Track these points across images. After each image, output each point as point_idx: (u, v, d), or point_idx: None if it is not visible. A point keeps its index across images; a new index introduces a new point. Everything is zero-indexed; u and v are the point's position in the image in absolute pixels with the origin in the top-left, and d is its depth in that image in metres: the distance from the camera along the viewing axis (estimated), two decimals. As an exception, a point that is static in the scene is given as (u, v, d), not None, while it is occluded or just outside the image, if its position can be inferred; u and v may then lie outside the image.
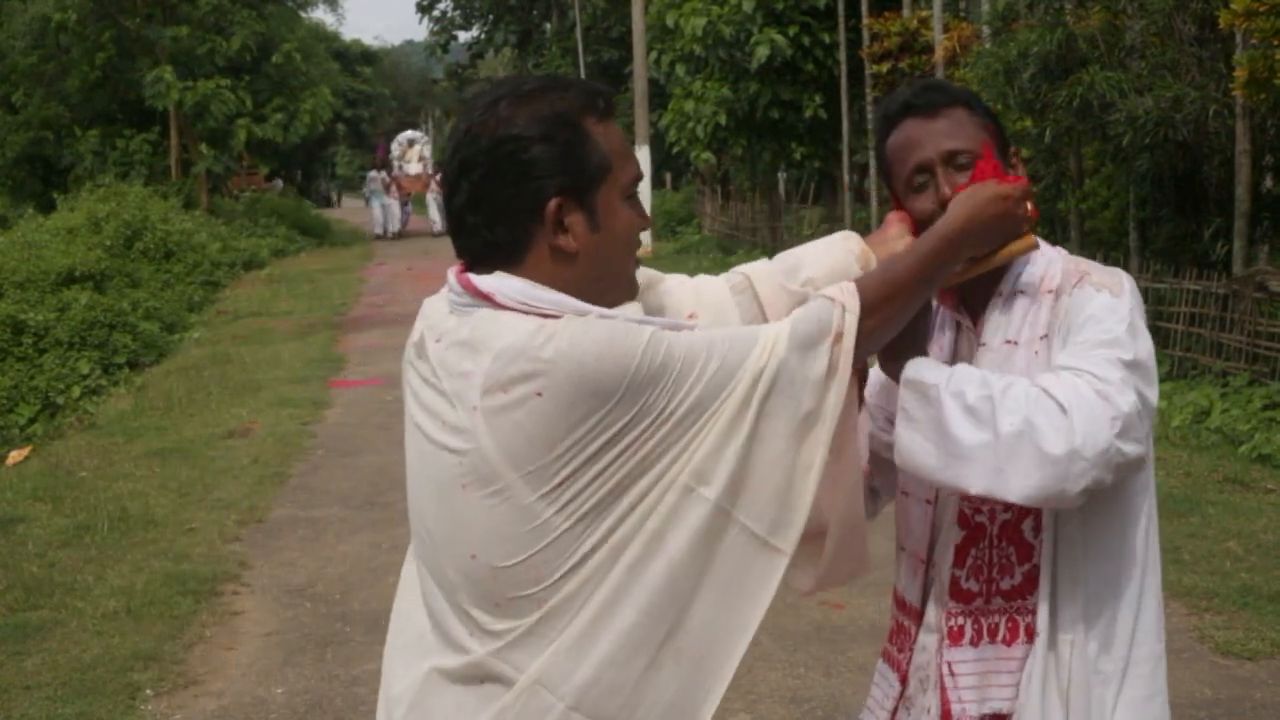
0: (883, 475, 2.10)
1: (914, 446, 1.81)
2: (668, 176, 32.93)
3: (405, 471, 1.75)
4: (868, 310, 1.69)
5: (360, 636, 5.12)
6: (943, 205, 1.90)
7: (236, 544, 6.47)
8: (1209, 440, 7.48)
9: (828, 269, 1.88)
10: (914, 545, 2.03)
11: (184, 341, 14.45)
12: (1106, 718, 1.87)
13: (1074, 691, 1.86)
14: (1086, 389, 1.72)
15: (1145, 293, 8.50)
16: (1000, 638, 1.92)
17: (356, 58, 55.07)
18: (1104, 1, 9.68)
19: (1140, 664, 1.89)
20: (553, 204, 1.63)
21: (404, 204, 33.62)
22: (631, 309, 1.69)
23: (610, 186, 1.67)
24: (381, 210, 32.25)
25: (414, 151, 35.12)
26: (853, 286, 1.71)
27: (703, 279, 1.95)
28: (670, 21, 18.43)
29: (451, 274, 1.69)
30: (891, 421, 2.06)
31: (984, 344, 1.95)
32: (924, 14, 14.85)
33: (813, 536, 1.69)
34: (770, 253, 2.16)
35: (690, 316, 1.86)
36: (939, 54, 13.35)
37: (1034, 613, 1.89)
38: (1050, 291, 1.91)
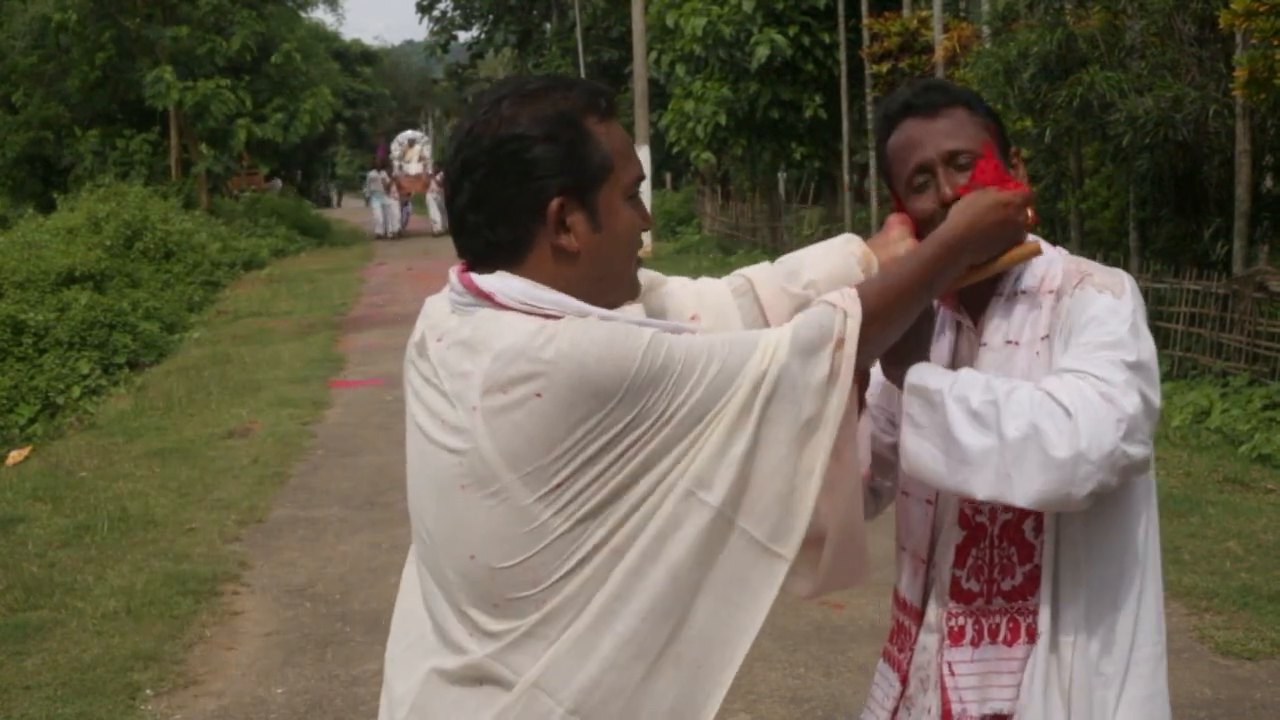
0: (884, 476, 2.10)
1: (920, 453, 1.81)
2: (668, 176, 32.93)
3: (406, 471, 1.75)
4: (869, 316, 1.69)
5: (360, 636, 5.12)
6: (943, 205, 1.90)
7: (236, 544, 6.47)
8: (1209, 440, 7.48)
9: (829, 272, 1.88)
10: (914, 545, 2.03)
11: (184, 341, 14.45)
12: (1108, 719, 1.87)
13: (1076, 693, 1.86)
14: (1091, 392, 1.72)
15: (1145, 293, 8.49)
16: (1001, 638, 1.92)
17: (356, 58, 55.07)
18: (1104, 1, 9.68)
19: (1141, 664, 1.89)
20: (555, 204, 1.63)
21: (404, 204, 33.63)
22: (633, 310, 1.69)
23: (612, 186, 1.67)
24: (382, 210, 32.26)
25: (414, 151, 35.13)
26: (854, 292, 1.71)
27: (705, 281, 1.95)
28: (670, 21, 18.44)
29: (453, 273, 1.69)
30: (892, 422, 2.07)
31: (985, 344, 1.95)
32: (924, 14, 14.85)
33: (812, 542, 1.68)
34: (770, 252, 2.16)
35: (692, 318, 1.86)
36: (939, 54, 13.35)
37: (1035, 613, 1.89)
38: (1051, 292, 1.91)
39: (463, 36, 41.98)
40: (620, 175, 1.68)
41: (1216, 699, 4.28)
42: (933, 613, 1.98)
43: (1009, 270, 1.93)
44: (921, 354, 1.89)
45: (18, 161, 28.07)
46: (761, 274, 1.92)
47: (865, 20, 15.76)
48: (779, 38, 17.32)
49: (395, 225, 32.41)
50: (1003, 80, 10.11)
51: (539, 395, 1.54)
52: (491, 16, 39.66)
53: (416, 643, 1.72)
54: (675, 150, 20.81)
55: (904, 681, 2.03)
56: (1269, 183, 10.27)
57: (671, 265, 18.42)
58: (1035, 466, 1.70)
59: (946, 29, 13.53)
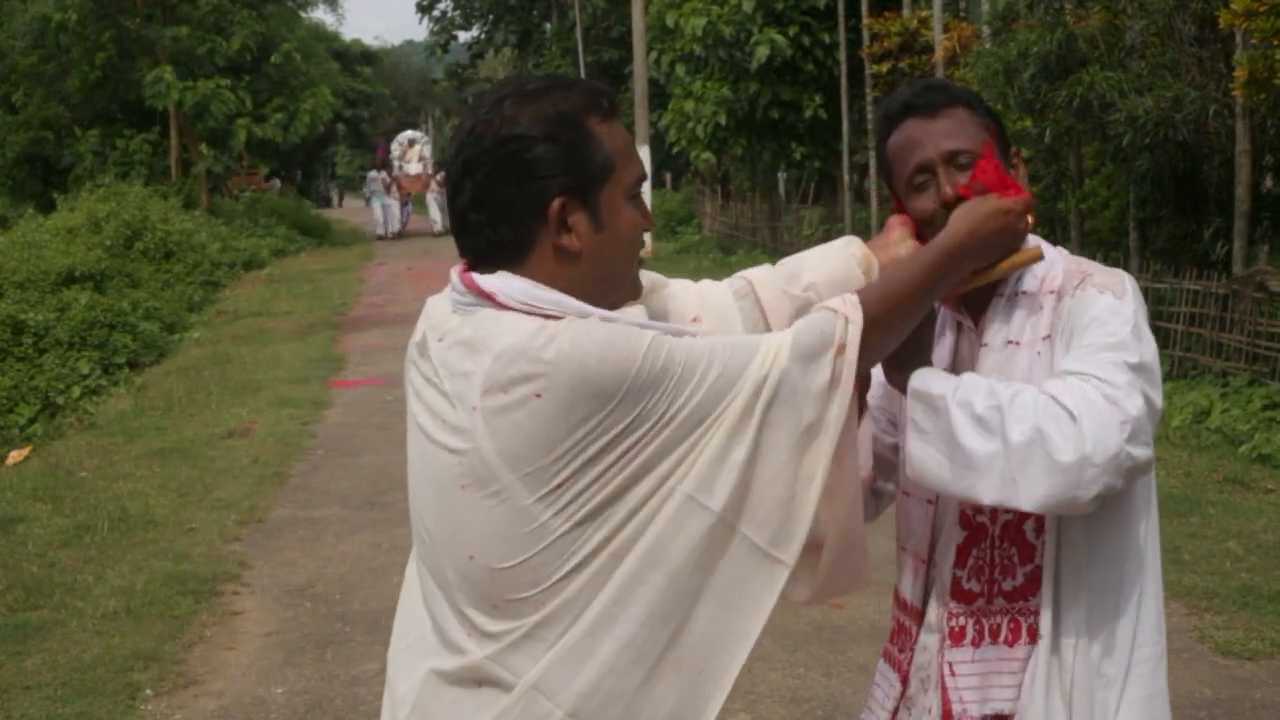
0: (886, 478, 2.10)
1: (925, 459, 1.81)
2: (668, 176, 32.93)
3: (406, 471, 1.75)
4: (870, 322, 1.69)
5: (360, 636, 5.12)
6: (944, 205, 1.90)
7: (236, 544, 6.47)
8: (1209, 440, 7.48)
9: (830, 274, 1.88)
10: (915, 545, 2.02)
11: (184, 341, 14.45)
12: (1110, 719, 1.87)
13: (1077, 694, 1.86)
14: (1095, 394, 1.72)
15: (1145, 293, 8.44)
16: (1002, 638, 1.92)
17: (356, 58, 55.07)
18: (1104, 1, 9.68)
19: (1141, 664, 1.89)
20: (556, 203, 1.63)
21: (404, 204, 33.64)
22: (635, 311, 1.69)
23: (614, 186, 1.67)
24: (382, 210, 32.27)
25: (414, 151, 35.16)
26: (855, 298, 1.71)
27: (706, 284, 1.95)
28: (670, 21, 18.45)
29: (455, 273, 1.69)
30: (893, 422, 2.07)
31: (985, 345, 1.95)
32: (924, 14, 14.86)
33: (811, 548, 1.68)
34: (770, 252, 2.16)
35: (694, 320, 1.86)
36: (939, 54, 13.36)
37: (1036, 614, 1.89)
38: (1052, 292, 1.91)
39: (463, 36, 42.02)
40: (622, 175, 1.68)
41: (1216, 699, 4.28)
42: (933, 613, 1.98)
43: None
44: (923, 358, 1.89)
45: (18, 161, 28.08)
46: (762, 276, 1.92)
47: (865, 20, 15.77)
48: (779, 38, 17.32)
49: (395, 225, 32.43)
50: (1003, 80, 10.11)
51: (539, 395, 1.54)
52: (491, 16, 39.67)
53: (417, 643, 1.72)
54: (675, 150, 20.82)
55: (904, 682, 2.03)
56: (1269, 183, 10.28)
57: (671, 265, 18.44)
58: (1041, 471, 1.70)
59: (946, 29, 13.53)
